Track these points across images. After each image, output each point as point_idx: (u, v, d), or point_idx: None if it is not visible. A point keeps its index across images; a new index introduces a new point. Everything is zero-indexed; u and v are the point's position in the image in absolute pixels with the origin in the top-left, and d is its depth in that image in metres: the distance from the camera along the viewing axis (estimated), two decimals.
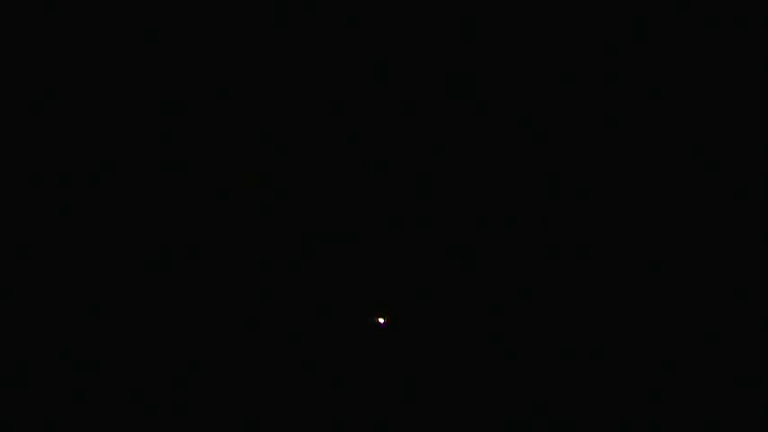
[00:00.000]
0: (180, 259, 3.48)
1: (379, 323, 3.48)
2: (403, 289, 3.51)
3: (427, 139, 3.56)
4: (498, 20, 3.55)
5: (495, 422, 3.38)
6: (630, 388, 3.38)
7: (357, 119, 3.57)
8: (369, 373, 3.43)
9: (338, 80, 3.57)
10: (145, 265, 3.47)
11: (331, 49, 3.56)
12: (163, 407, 3.37)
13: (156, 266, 3.48)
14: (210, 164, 3.53)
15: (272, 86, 3.56)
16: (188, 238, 3.50)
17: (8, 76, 3.49)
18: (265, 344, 3.45)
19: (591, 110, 3.54)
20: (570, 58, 3.54)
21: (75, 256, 3.46)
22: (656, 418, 3.35)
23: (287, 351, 3.45)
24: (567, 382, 3.40)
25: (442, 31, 3.56)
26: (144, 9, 3.51)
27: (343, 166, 3.56)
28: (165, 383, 3.39)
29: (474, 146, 3.55)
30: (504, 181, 3.54)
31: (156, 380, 3.39)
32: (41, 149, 3.49)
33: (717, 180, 3.48)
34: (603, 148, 3.53)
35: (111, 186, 3.50)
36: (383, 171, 3.56)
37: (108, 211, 3.49)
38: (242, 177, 3.51)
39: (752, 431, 3.30)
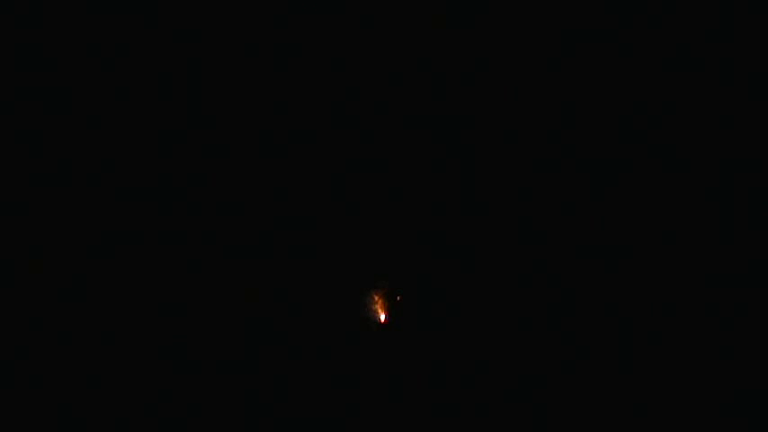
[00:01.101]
0: (179, 258, 3.50)
1: (380, 321, 3.49)
2: (403, 286, 3.53)
3: (428, 139, 3.58)
4: (498, 20, 3.56)
5: (495, 422, 3.39)
6: (630, 388, 3.39)
7: (355, 118, 3.59)
8: (369, 371, 3.44)
9: (337, 80, 3.59)
10: (144, 265, 3.49)
11: (331, 49, 3.58)
12: (162, 406, 3.38)
13: (155, 265, 3.49)
14: (209, 163, 3.55)
15: (272, 86, 3.58)
16: (187, 237, 3.52)
17: (8, 77, 3.50)
18: (265, 342, 3.46)
19: (591, 110, 3.56)
20: (569, 58, 3.56)
21: (74, 256, 3.47)
22: (656, 417, 3.36)
23: (287, 350, 3.46)
24: (567, 382, 3.41)
25: (442, 30, 3.57)
26: (144, 9, 3.53)
27: (342, 164, 3.57)
28: (163, 383, 3.41)
29: (474, 145, 3.57)
30: (503, 180, 3.55)
31: (156, 379, 3.41)
32: (41, 149, 3.50)
33: (716, 180, 3.50)
34: (603, 148, 3.54)
35: (110, 186, 3.52)
36: (383, 171, 3.57)
37: (107, 211, 3.50)
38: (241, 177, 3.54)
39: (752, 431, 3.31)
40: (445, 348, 3.46)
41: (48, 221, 3.47)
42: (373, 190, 3.56)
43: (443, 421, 3.38)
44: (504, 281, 3.50)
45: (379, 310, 3.50)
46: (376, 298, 3.50)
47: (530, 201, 3.53)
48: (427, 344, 3.47)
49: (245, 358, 3.43)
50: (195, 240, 3.51)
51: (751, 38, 3.49)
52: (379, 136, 3.58)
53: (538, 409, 3.39)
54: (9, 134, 3.49)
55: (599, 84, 3.54)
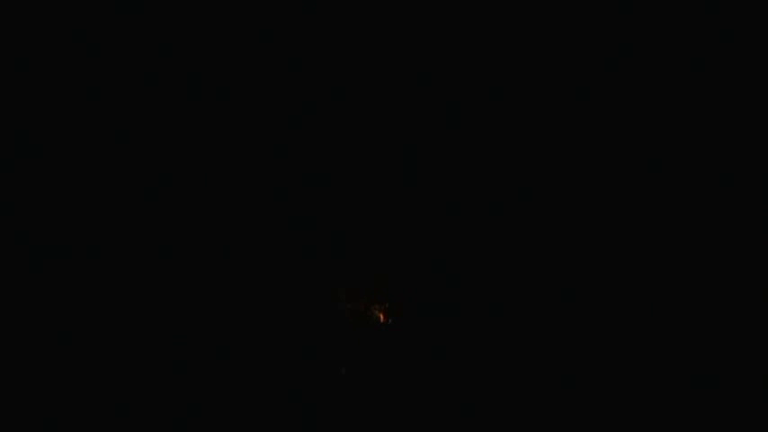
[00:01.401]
0: (179, 258, 3.50)
1: (380, 320, 3.49)
2: (403, 285, 3.53)
3: (428, 138, 3.58)
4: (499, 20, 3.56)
5: (495, 421, 3.38)
6: (629, 388, 3.39)
7: (356, 119, 3.59)
8: (368, 371, 3.44)
9: (338, 80, 3.59)
10: (143, 265, 3.49)
11: (331, 49, 3.58)
12: (161, 406, 3.38)
13: (155, 265, 3.49)
14: (210, 163, 3.55)
15: (272, 86, 3.58)
16: (188, 237, 3.52)
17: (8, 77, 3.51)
18: (263, 342, 3.46)
19: (590, 110, 3.56)
20: (569, 59, 3.56)
21: (74, 256, 3.47)
22: (655, 418, 3.36)
23: (286, 350, 3.46)
24: (567, 382, 3.41)
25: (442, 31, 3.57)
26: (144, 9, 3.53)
27: (341, 164, 3.57)
28: (162, 382, 3.41)
29: (473, 144, 3.57)
30: (503, 180, 3.55)
31: (155, 379, 3.41)
32: (41, 150, 3.51)
33: (716, 180, 3.50)
34: (602, 148, 3.54)
35: (111, 187, 3.52)
36: (381, 170, 3.58)
37: (108, 211, 3.51)
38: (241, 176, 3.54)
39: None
40: (445, 348, 3.46)
41: (48, 221, 3.47)
42: (372, 189, 3.56)
43: (443, 421, 3.38)
44: (504, 281, 3.50)
45: (379, 311, 3.50)
46: (375, 298, 3.50)
47: (529, 200, 3.53)
48: (427, 344, 3.47)
49: (243, 358, 3.43)
50: (194, 241, 3.51)
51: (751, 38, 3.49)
52: (381, 135, 3.58)
53: (538, 409, 3.39)
54: (8, 135, 3.50)
55: (599, 84, 3.55)
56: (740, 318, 3.40)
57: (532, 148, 3.55)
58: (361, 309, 3.50)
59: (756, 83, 3.49)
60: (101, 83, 3.53)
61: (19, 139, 3.49)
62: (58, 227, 3.47)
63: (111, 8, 3.50)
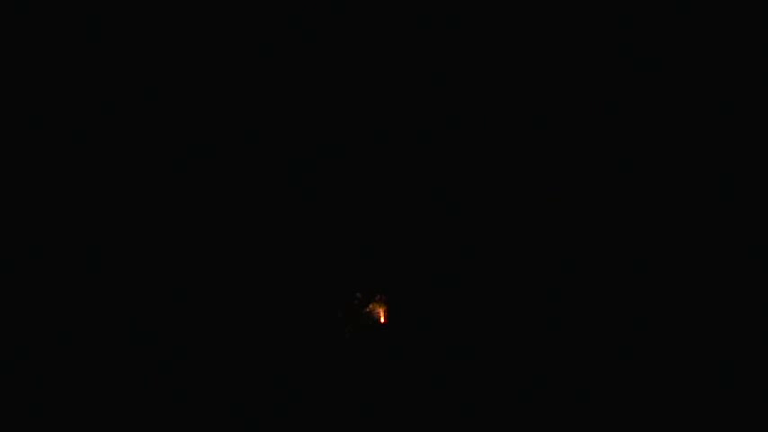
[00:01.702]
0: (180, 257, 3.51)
1: (380, 320, 3.50)
2: (403, 285, 3.53)
3: (428, 137, 3.58)
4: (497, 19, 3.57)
5: (495, 422, 3.39)
6: (629, 388, 3.39)
7: (357, 119, 3.59)
8: (368, 371, 3.45)
9: (338, 80, 3.59)
10: (144, 264, 3.49)
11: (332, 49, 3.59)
12: (161, 406, 3.39)
13: (156, 265, 3.50)
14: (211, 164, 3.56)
15: (273, 87, 3.58)
16: (188, 237, 3.52)
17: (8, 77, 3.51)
18: (262, 343, 3.47)
19: (590, 110, 3.56)
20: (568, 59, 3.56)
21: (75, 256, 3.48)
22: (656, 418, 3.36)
23: (285, 351, 3.46)
24: (568, 382, 3.41)
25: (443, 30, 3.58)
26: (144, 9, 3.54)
27: (340, 164, 3.58)
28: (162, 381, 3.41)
29: (472, 144, 3.57)
30: (503, 180, 3.56)
31: (155, 378, 3.41)
32: (42, 150, 3.51)
33: (717, 180, 3.50)
34: (603, 148, 3.55)
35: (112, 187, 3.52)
36: (380, 170, 3.58)
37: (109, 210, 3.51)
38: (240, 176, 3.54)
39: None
40: (445, 349, 3.46)
41: (47, 221, 3.48)
42: (371, 189, 3.57)
43: (443, 422, 3.38)
44: (504, 281, 3.50)
45: (379, 310, 3.50)
46: (375, 298, 3.51)
47: (529, 201, 3.53)
48: (427, 344, 3.47)
49: (242, 359, 3.43)
50: (194, 241, 3.51)
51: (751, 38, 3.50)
52: (382, 135, 3.59)
53: (538, 410, 3.39)
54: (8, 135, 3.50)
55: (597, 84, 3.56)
56: (740, 318, 3.41)
57: (532, 149, 3.56)
58: (361, 309, 3.51)
59: (756, 83, 3.49)
60: (100, 83, 3.54)
61: (18, 139, 3.50)
62: (58, 226, 3.48)
63: (111, 8, 3.52)
